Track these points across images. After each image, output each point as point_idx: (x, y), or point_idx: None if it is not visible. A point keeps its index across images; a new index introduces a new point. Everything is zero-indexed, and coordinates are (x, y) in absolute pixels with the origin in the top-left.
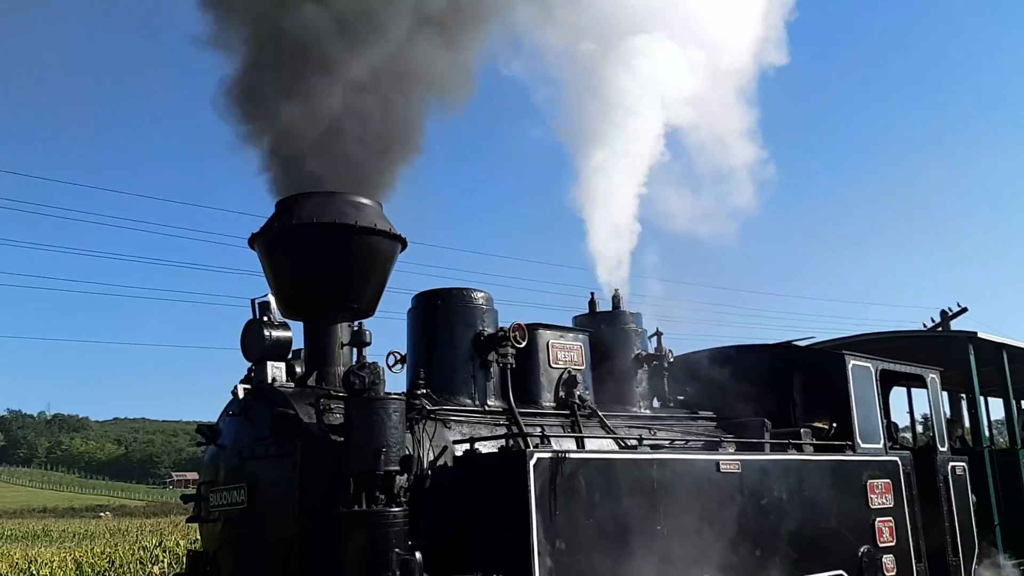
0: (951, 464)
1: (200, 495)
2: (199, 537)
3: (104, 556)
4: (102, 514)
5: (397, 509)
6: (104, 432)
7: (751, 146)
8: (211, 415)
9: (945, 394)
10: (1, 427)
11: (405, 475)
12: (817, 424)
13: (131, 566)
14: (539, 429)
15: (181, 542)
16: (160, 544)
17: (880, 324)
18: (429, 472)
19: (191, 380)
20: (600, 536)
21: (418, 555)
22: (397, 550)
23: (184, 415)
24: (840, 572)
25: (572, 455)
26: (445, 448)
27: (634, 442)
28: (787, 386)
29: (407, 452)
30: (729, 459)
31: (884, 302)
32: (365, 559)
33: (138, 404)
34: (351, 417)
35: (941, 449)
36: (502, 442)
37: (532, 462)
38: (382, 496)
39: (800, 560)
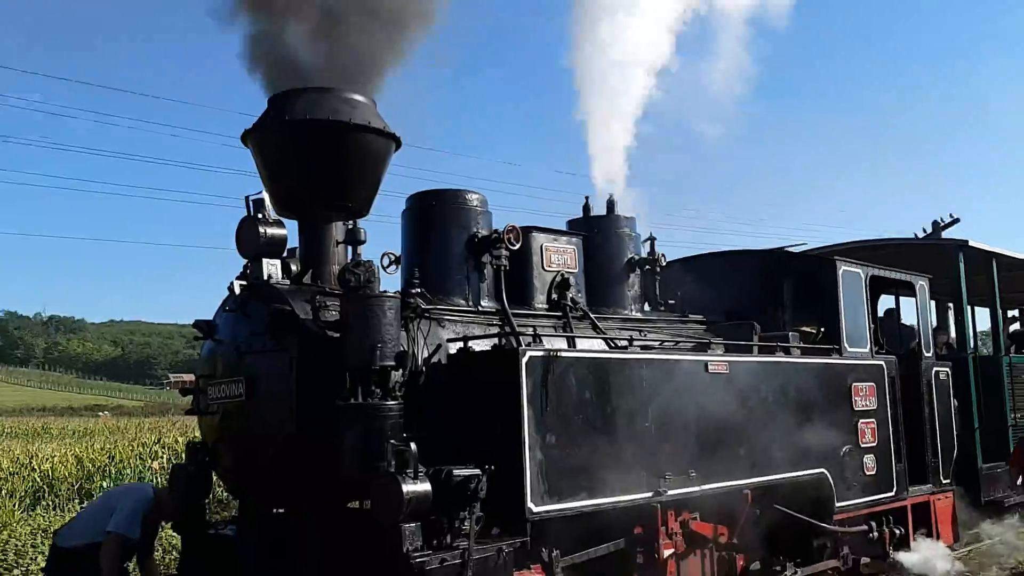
0: (935, 369)
1: (199, 388)
2: (199, 430)
3: (104, 452)
4: (100, 414)
5: (392, 403)
6: (101, 334)
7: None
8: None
9: (933, 303)
10: None
11: (400, 371)
12: (805, 328)
13: (130, 461)
14: (531, 330)
15: (179, 439)
16: (159, 441)
17: (872, 235)
18: (424, 369)
19: (187, 283)
20: (589, 432)
21: (413, 446)
22: (392, 441)
23: (180, 318)
24: (822, 470)
25: (563, 354)
26: (439, 346)
27: (624, 343)
28: (777, 291)
29: (402, 349)
30: (718, 360)
31: (877, 214)
32: (361, 450)
33: (134, 306)
34: (347, 313)
35: (926, 355)
36: (495, 340)
37: (524, 360)
38: (378, 390)
39: (784, 459)
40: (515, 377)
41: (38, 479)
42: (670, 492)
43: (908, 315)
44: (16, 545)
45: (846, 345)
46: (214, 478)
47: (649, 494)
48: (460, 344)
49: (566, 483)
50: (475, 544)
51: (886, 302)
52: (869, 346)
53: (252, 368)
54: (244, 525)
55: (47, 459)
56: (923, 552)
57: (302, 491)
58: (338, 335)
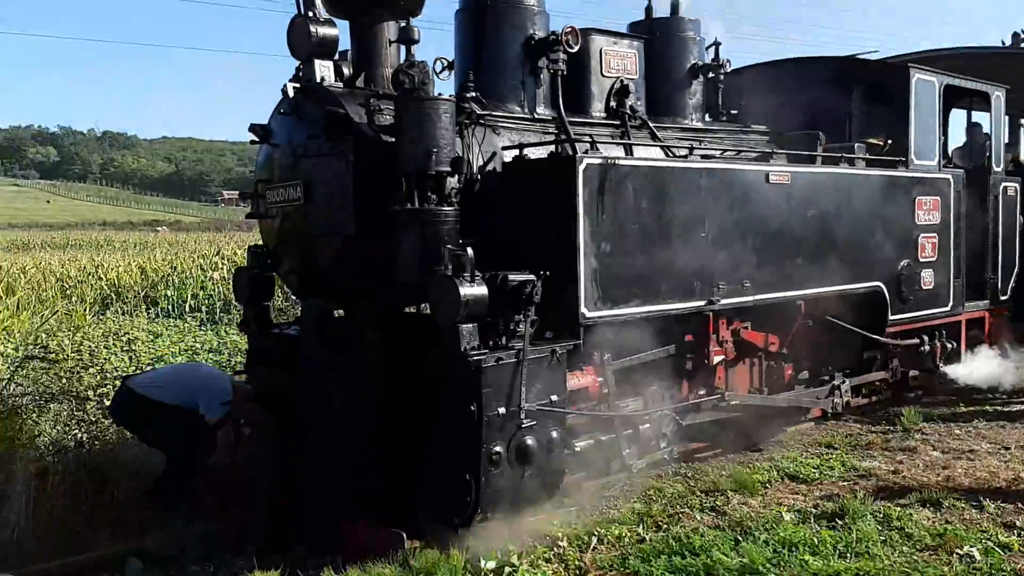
0: (1003, 184)
1: (257, 193)
2: (260, 233)
3: (166, 263)
4: (159, 228)
5: (448, 208)
6: (153, 150)
7: None
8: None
9: (1006, 118)
10: (54, 143)
11: (456, 177)
12: (872, 140)
13: (192, 271)
14: (588, 138)
15: (237, 251)
16: (218, 253)
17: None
18: (478, 177)
19: (237, 98)
20: (644, 241)
21: (470, 251)
22: (449, 246)
23: (231, 135)
24: (878, 284)
25: (621, 161)
26: (494, 154)
27: (684, 152)
28: (845, 100)
29: (457, 154)
30: (779, 170)
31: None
32: (418, 254)
33: (185, 123)
34: (402, 117)
35: (996, 169)
36: (551, 148)
37: (581, 167)
38: (433, 196)
39: (840, 272)
40: (572, 185)
41: (105, 287)
42: (723, 301)
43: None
44: (90, 346)
45: (913, 158)
46: (276, 280)
47: (702, 302)
48: (515, 152)
49: (620, 290)
50: (529, 346)
51: (956, 117)
52: (937, 159)
53: (309, 171)
54: (306, 325)
55: (112, 268)
56: (975, 362)
57: (360, 292)
58: (393, 139)
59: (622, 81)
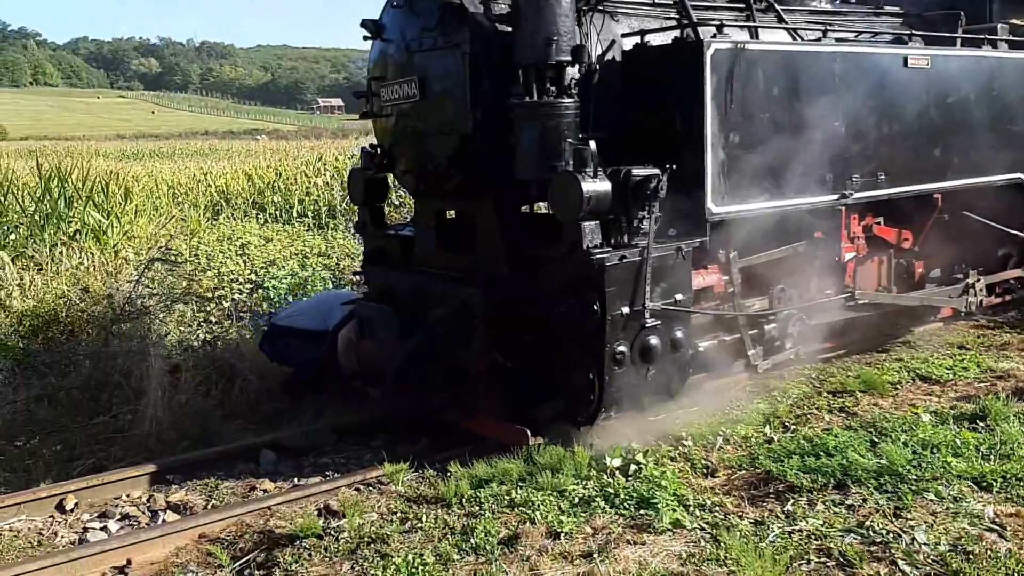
0: None
1: (371, 91)
2: (374, 132)
3: (271, 169)
4: (259, 137)
5: (569, 100)
6: (249, 59)
7: None
8: (345, 42)
9: None
10: (155, 54)
11: (576, 67)
12: (1015, 21)
13: (296, 177)
14: (715, 22)
15: (339, 157)
16: (320, 159)
17: None
18: (597, 67)
19: (330, 3)
20: (774, 132)
21: (592, 144)
22: (570, 140)
23: (323, 42)
24: (1019, 175)
25: (751, 46)
26: (613, 42)
27: (815, 36)
28: None
29: (578, 43)
30: (918, 53)
31: None
32: (538, 149)
33: (279, 31)
34: (519, 4)
35: None
36: (675, 34)
37: (709, 53)
38: (552, 88)
39: (980, 163)
40: (698, 72)
41: (215, 193)
42: (857, 195)
43: None
44: (206, 250)
45: None
46: (391, 181)
47: (835, 197)
48: (636, 39)
49: (748, 184)
50: (654, 243)
51: None
52: None
53: (424, 67)
54: (422, 223)
55: (219, 176)
56: None
57: (478, 191)
58: (510, 29)
59: None
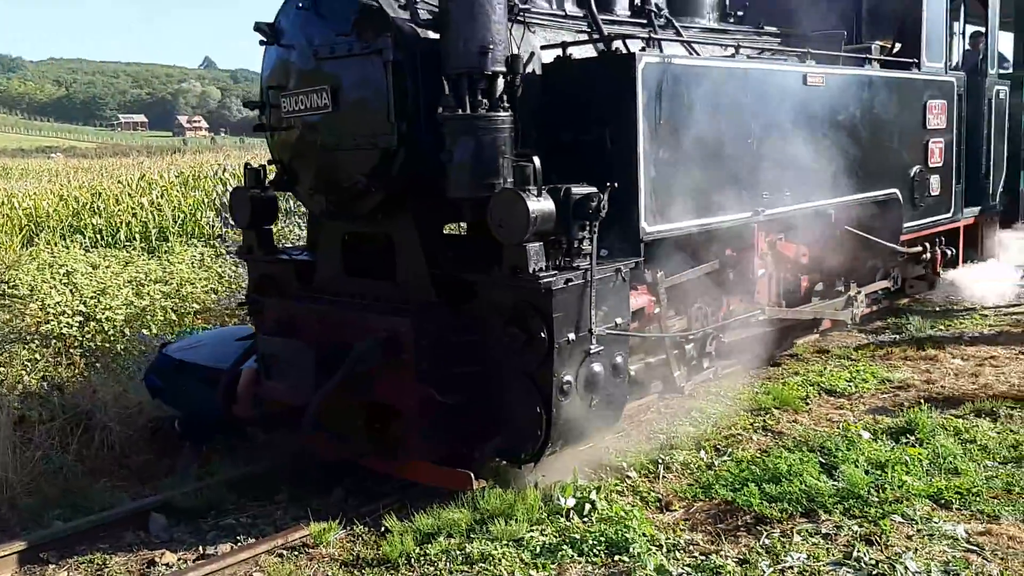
0: (996, 87)
1: (266, 101)
2: (269, 147)
3: (85, 189)
4: (53, 155)
5: (505, 114)
6: (41, 73)
7: None
8: (150, 56)
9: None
10: None
11: (510, 77)
12: (880, 42)
13: (120, 197)
14: (644, 34)
15: (165, 174)
16: (143, 177)
17: None
18: (519, 81)
19: (128, 16)
20: (699, 149)
21: (536, 161)
22: (508, 156)
23: (123, 56)
24: (894, 191)
25: (678, 61)
26: (532, 55)
27: (727, 52)
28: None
29: (513, 52)
30: (815, 71)
31: None
32: (473, 167)
33: (74, 44)
34: (449, 9)
35: (990, 71)
36: (599, 47)
37: (640, 66)
38: (484, 100)
39: (864, 178)
40: (630, 85)
41: (22, 216)
42: (767, 212)
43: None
44: (29, 282)
45: (925, 59)
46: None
47: (749, 214)
48: (557, 51)
49: (676, 202)
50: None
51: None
52: (944, 61)
53: (337, 75)
54: (325, 247)
55: (27, 196)
56: (971, 271)
57: (398, 209)
58: (438, 35)
59: None
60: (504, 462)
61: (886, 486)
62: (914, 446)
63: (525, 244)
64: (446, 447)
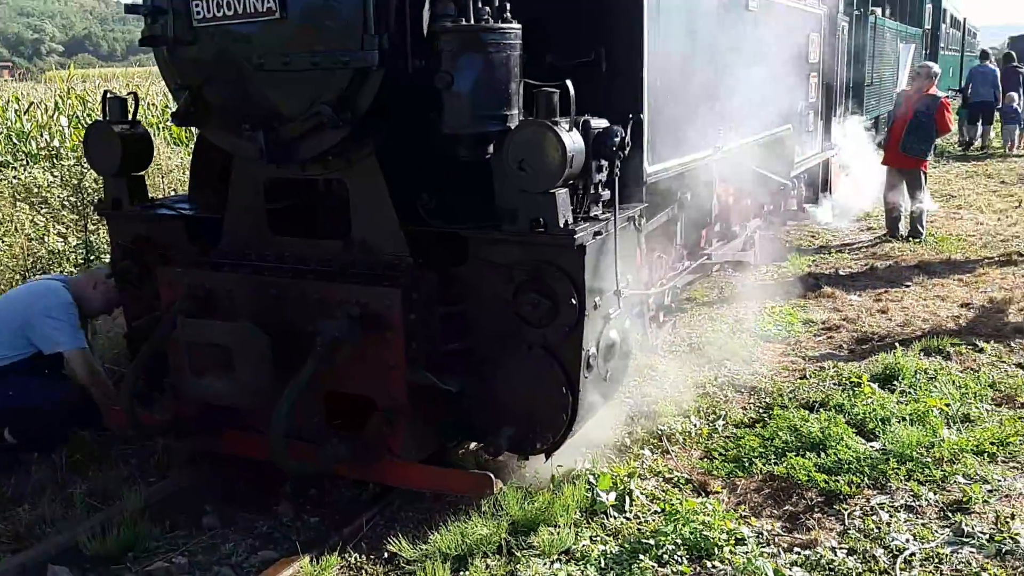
0: (841, 22)
1: (160, 4)
2: (164, 69)
3: None
4: None
5: (515, 26)
6: None
7: None
8: None
9: None
10: None
11: None
12: None
13: None
14: None
15: None
16: None
17: None
18: None
19: None
20: (683, 73)
21: (570, 85)
22: (527, 80)
23: None
24: (789, 125)
25: None
26: None
27: None
28: None
29: None
30: None
31: None
32: (482, 94)
33: None
34: None
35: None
36: None
37: None
38: (486, 8)
39: (773, 113)
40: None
41: None
42: (723, 148)
43: None
44: None
45: None
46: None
47: (709, 151)
48: None
49: (664, 139)
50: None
51: None
52: None
53: None
54: (242, 196)
55: None
56: (828, 202)
57: (356, 145)
58: None
59: None
60: (488, 457)
61: (933, 444)
62: (910, 394)
63: (554, 191)
64: (438, 444)
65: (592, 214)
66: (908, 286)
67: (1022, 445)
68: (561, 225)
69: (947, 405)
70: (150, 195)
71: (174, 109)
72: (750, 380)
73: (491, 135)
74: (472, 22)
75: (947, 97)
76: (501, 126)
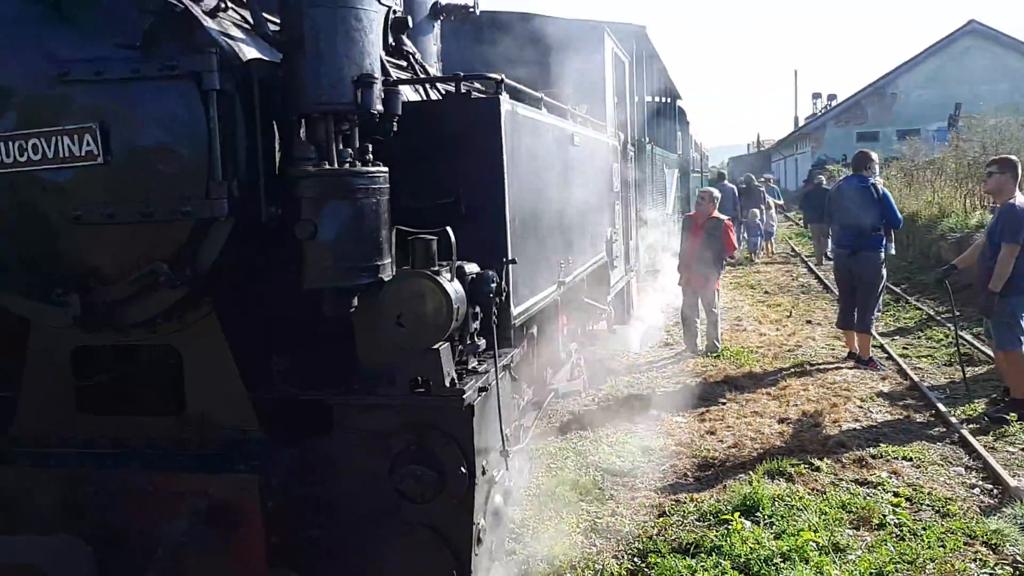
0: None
1: None
2: None
3: None
4: None
5: (382, 170)
6: None
7: None
8: None
9: None
10: None
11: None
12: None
13: None
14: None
15: None
16: None
17: None
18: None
19: None
20: (530, 213)
21: (450, 232)
22: (400, 227)
23: None
24: (603, 253)
25: (521, 111)
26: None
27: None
28: (539, 54)
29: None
30: (581, 130)
31: None
32: (349, 244)
33: None
34: (313, 25)
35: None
36: (416, 91)
37: (504, 111)
38: (348, 150)
39: (592, 243)
40: (496, 136)
41: None
42: (566, 280)
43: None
44: None
45: (607, 123)
46: None
47: (555, 286)
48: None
49: (524, 277)
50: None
51: None
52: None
53: (112, 109)
54: (40, 368)
55: None
56: (634, 324)
57: (192, 307)
58: (280, 55)
59: (394, 11)
60: None
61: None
62: (776, 526)
63: (438, 347)
64: None
65: (471, 366)
66: (723, 403)
67: (898, 573)
68: (447, 384)
69: (815, 532)
70: None
71: None
72: (612, 523)
73: (356, 288)
74: (335, 165)
75: (730, 220)
76: (372, 278)
